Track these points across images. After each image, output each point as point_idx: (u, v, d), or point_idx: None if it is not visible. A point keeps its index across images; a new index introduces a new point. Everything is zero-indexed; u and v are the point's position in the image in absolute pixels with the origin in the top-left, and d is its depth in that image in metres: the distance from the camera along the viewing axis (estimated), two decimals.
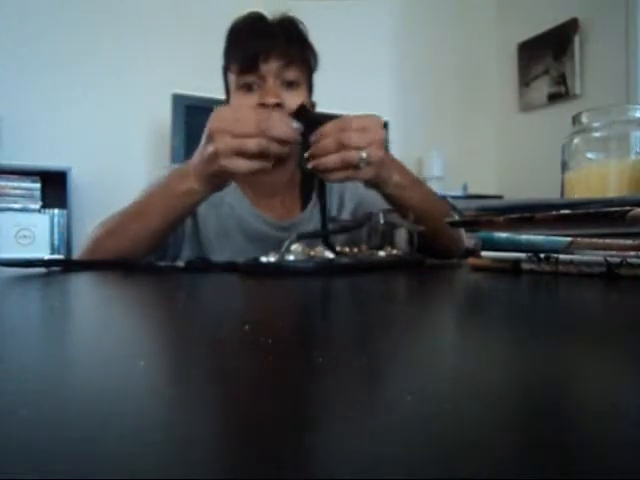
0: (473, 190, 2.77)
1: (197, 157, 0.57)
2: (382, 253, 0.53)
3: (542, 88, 2.77)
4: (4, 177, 1.94)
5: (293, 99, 0.73)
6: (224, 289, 0.37)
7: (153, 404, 0.10)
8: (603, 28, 2.47)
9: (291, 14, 0.78)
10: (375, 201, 0.71)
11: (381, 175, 0.59)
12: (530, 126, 2.85)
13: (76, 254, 0.71)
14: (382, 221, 0.55)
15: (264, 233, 0.78)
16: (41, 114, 2.12)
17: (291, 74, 0.74)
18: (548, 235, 0.42)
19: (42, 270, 0.47)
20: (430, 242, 0.64)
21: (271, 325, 0.21)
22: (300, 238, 0.48)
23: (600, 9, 2.47)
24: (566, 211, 0.41)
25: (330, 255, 0.48)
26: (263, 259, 0.45)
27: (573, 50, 2.58)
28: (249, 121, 0.52)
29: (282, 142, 0.52)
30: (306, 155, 0.55)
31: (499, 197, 2.66)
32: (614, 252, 0.39)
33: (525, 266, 0.44)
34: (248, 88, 0.74)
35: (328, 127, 0.55)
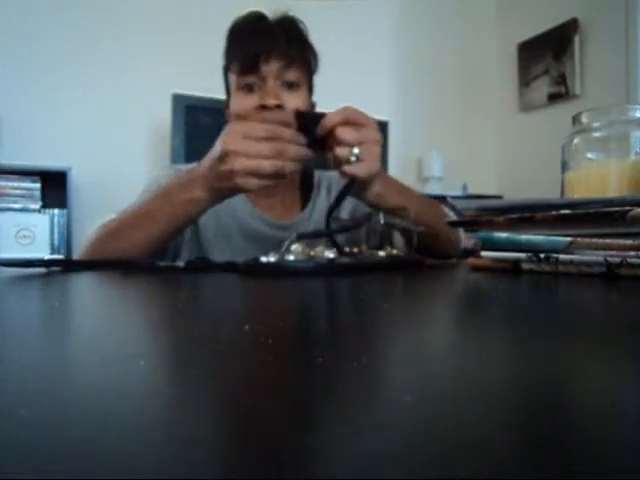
0: (473, 190, 2.77)
1: (207, 169, 0.57)
2: (382, 253, 0.53)
3: (542, 88, 2.77)
4: (4, 177, 1.94)
5: (293, 100, 0.73)
6: (224, 289, 0.37)
7: (153, 404, 0.10)
8: (603, 28, 2.47)
9: (291, 14, 0.78)
10: None
11: (373, 175, 0.59)
12: (530, 126, 2.85)
13: (76, 255, 0.71)
14: (382, 221, 0.55)
15: (264, 233, 0.78)
16: (41, 114, 2.12)
17: (292, 75, 0.74)
18: (548, 235, 0.42)
19: (42, 270, 0.47)
20: (427, 244, 0.64)
21: (271, 325, 0.21)
22: (300, 238, 0.48)
23: (600, 9, 2.47)
24: (566, 211, 0.41)
25: (330, 255, 0.48)
26: (263, 259, 0.45)
27: (573, 50, 2.58)
28: (264, 143, 0.52)
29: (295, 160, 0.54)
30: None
31: (499, 197, 2.66)
32: (614, 252, 0.39)
33: (525, 266, 0.44)
34: (249, 89, 0.74)
35: (331, 120, 0.56)
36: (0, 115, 2.01)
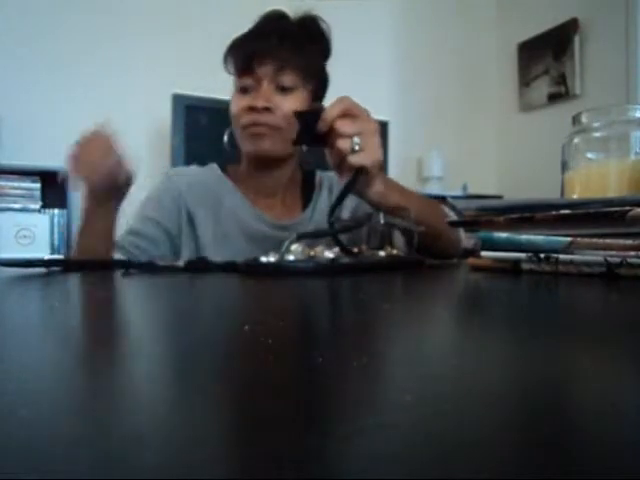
0: (473, 190, 2.77)
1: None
2: (382, 253, 0.53)
3: (542, 88, 2.77)
4: (4, 177, 1.94)
5: (286, 104, 0.73)
6: (224, 289, 0.37)
7: (153, 404, 0.10)
8: (603, 28, 2.47)
9: (314, 14, 0.78)
10: None
11: (373, 167, 0.59)
12: (530, 126, 2.85)
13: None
14: (382, 221, 0.55)
15: (264, 233, 0.78)
16: (41, 114, 2.12)
17: (286, 79, 0.74)
18: (548, 235, 0.42)
19: (42, 270, 0.47)
20: (428, 245, 0.64)
21: (271, 325, 0.21)
22: (300, 238, 0.48)
23: (600, 9, 2.47)
24: (566, 211, 0.41)
25: (330, 255, 0.48)
26: (263, 259, 0.45)
27: (573, 50, 2.58)
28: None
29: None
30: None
31: (499, 197, 2.66)
32: (614, 252, 0.39)
33: (525, 266, 0.44)
34: (245, 90, 0.75)
35: (331, 114, 0.56)
36: (0, 115, 2.01)
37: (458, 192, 2.67)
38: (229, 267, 0.48)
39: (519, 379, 0.12)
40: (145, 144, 2.29)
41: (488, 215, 0.48)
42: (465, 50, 3.02)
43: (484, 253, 0.47)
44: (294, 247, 0.46)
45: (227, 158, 0.85)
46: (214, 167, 0.85)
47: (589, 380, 0.13)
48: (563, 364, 0.14)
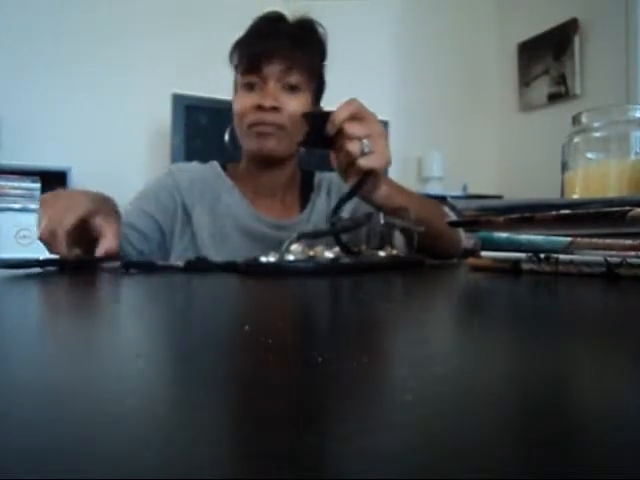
0: (473, 190, 2.77)
1: None
2: (382, 253, 0.53)
3: (542, 88, 2.77)
4: (4, 177, 1.93)
5: (292, 103, 0.73)
6: (224, 289, 0.37)
7: (153, 404, 0.10)
8: (603, 28, 2.47)
9: (310, 17, 0.78)
10: None
11: (381, 170, 0.59)
12: (530, 126, 2.85)
13: None
14: (382, 221, 0.55)
15: (261, 232, 0.78)
16: (41, 114, 2.12)
17: (293, 78, 0.74)
18: (548, 235, 0.42)
19: (38, 270, 0.47)
20: (428, 245, 0.64)
21: (271, 325, 0.21)
22: (300, 238, 0.48)
23: (600, 9, 2.47)
24: (566, 211, 0.41)
25: (330, 255, 0.48)
26: (263, 259, 0.45)
27: (573, 50, 2.58)
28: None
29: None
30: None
31: (499, 197, 2.65)
32: (614, 252, 0.39)
33: (525, 266, 0.44)
34: (250, 88, 0.75)
35: (340, 117, 0.56)
36: (0, 115, 2.01)
37: (458, 192, 2.67)
38: (229, 267, 0.48)
39: (519, 379, 0.12)
40: (145, 144, 2.29)
41: (488, 215, 0.48)
42: (465, 50, 3.02)
43: (484, 253, 0.47)
44: (294, 247, 0.46)
45: (228, 157, 0.85)
46: (214, 164, 0.85)
47: (589, 380, 0.13)
48: (563, 364, 0.14)
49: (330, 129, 0.56)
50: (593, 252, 0.40)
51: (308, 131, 0.58)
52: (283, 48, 0.73)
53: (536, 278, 0.40)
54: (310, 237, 0.52)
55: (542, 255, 0.43)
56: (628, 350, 0.16)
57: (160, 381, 0.13)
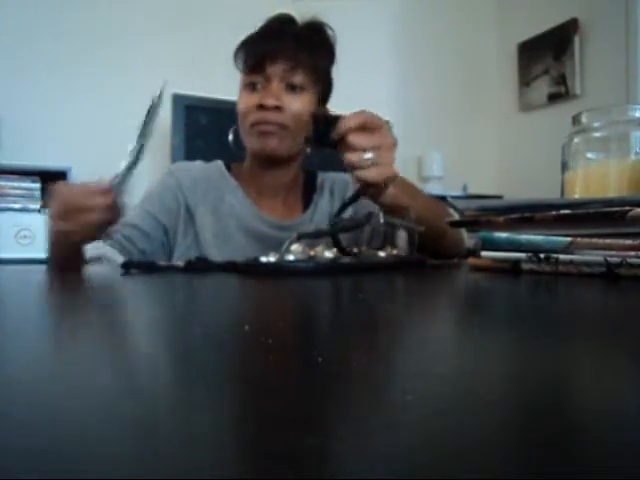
0: (473, 190, 2.77)
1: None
2: (382, 253, 0.53)
3: (542, 88, 2.77)
4: (4, 177, 1.93)
5: (295, 103, 0.73)
6: (224, 289, 0.37)
7: (153, 404, 0.10)
8: (603, 28, 2.47)
9: (320, 19, 0.79)
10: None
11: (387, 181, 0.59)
12: (530, 126, 2.85)
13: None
14: (382, 221, 0.55)
15: (264, 232, 0.79)
16: (41, 114, 2.12)
17: (296, 78, 0.74)
18: (548, 235, 0.42)
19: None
20: (431, 245, 0.64)
21: (271, 325, 0.21)
22: (300, 238, 0.48)
23: (600, 9, 2.47)
24: (566, 211, 0.41)
25: (330, 255, 0.48)
26: (263, 259, 0.45)
27: (573, 50, 2.58)
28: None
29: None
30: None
31: (499, 197, 2.65)
32: (614, 252, 0.39)
33: (525, 266, 0.44)
34: (253, 87, 0.75)
35: (346, 125, 0.56)
36: (0, 115, 2.01)
37: (458, 192, 2.66)
38: (229, 267, 0.48)
39: (519, 379, 0.12)
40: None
41: (488, 215, 0.48)
42: (465, 50, 3.02)
43: (484, 253, 0.47)
44: (294, 247, 0.46)
45: (229, 157, 0.85)
46: (219, 163, 0.85)
47: (589, 380, 0.13)
48: (563, 364, 0.14)
49: (335, 135, 0.57)
50: (593, 252, 0.40)
51: (314, 131, 0.58)
52: (287, 48, 0.73)
53: (536, 278, 0.40)
54: (310, 237, 0.52)
55: (542, 255, 0.43)
56: (628, 350, 0.16)
57: (160, 381, 0.13)
